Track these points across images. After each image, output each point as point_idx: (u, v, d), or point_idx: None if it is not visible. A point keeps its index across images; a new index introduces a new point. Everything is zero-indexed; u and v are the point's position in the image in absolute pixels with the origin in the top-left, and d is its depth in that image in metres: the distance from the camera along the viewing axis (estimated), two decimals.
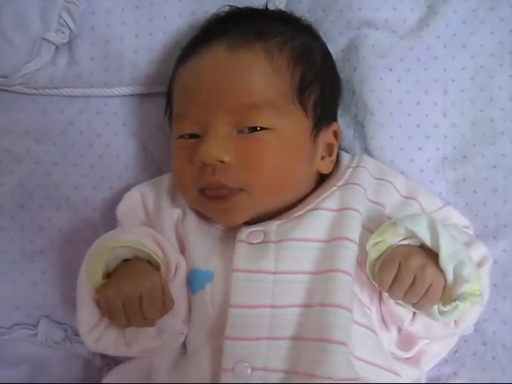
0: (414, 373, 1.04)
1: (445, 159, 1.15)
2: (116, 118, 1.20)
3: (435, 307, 0.94)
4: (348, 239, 0.99)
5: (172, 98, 1.11)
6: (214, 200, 1.02)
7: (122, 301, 0.94)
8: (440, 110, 1.15)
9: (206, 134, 1.02)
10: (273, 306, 0.97)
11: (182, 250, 1.06)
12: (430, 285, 0.92)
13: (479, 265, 1.01)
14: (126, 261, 1.00)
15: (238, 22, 1.08)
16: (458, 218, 1.11)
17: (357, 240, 1.00)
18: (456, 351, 1.11)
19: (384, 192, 1.08)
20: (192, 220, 1.07)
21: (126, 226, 1.11)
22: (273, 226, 1.03)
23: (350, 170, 1.09)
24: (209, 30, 1.11)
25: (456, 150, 1.15)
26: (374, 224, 1.02)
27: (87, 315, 0.99)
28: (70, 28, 1.14)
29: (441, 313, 0.94)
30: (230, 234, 1.05)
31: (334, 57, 1.17)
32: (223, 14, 1.13)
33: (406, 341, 1.03)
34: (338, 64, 1.17)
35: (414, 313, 0.98)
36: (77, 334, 1.18)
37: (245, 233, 1.03)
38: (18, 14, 1.12)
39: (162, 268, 0.99)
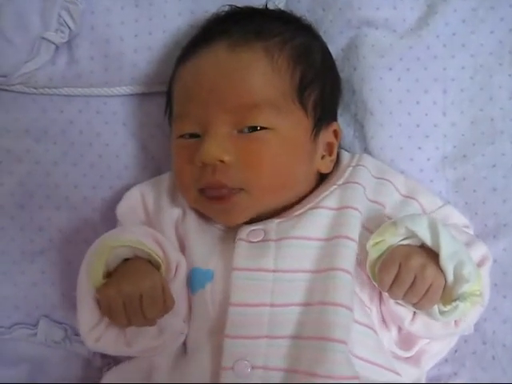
0: (414, 372, 1.04)
1: (445, 158, 1.15)
2: (116, 118, 1.20)
3: (435, 307, 0.94)
4: (348, 238, 0.99)
5: (172, 97, 1.11)
6: (214, 200, 1.02)
7: (122, 300, 0.94)
8: (440, 110, 1.15)
9: (206, 133, 1.02)
10: (272, 305, 0.97)
11: (182, 249, 1.06)
12: (430, 285, 0.92)
13: (479, 264, 1.01)
14: (126, 260, 1.00)
15: (237, 22, 1.08)
16: (457, 217, 1.11)
17: (356, 238, 1.00)
18: (456, 351, 1.11)
19: (384, 191, 1.08)
20: (192, 219, 1.07)
21: (126, 225, 1.11)
22: (273, 224, 1.03)
23: (350, 168, 1.09)
24: (209, 29, 1.11)
25: (456, 149, 1.15)
26: (374, 223, 1.02)
27: (87, 315, 0.99)
28: (69, 27, 1.14)
29: (441, 313, 0.94)
30: (230, 233, 1.05)
31: (333, 56, 1.17)
32: (223, 13, 1.13)
33: (407, 340, 1.03)
34: (338, 63, 1.17)
35: (415, 312, 0.98)
36: (77, 334, 1.18)
37: (245, 231, 1.03)
38: (18, 14, 1.12)
39: (163, 267, 0.99)
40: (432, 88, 1.15)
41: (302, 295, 0.98)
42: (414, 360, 1.04)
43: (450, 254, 0.93)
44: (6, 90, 1.18)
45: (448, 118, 1.15)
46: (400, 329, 1.02)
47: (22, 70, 1.15)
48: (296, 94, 1.04)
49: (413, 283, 0.92)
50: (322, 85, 1.08)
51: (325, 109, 1.09)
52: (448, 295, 0.93)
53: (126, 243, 0.99)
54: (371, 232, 1.01)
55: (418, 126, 1.15)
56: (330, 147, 1.11)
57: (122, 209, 1.13)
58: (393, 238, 0.96)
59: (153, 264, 1.00)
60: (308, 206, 1.04)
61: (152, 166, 1.21)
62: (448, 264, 0.93)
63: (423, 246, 0.96)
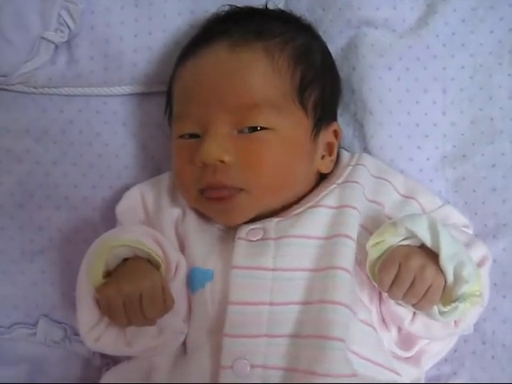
0: (413, 372, 1.04)
1: (444, 158, 1.15)
2: (115, 118, 1.20)
3: (435, 308, 0.94)
4: (347, 236, 0.99)
5: (172, 97, 1.11)
6: (215, 201, 1.02)
7: (122, 300, 0.94)
8: (439, 109, 1.15)
9: (207, 133, 1.02)
10: (271, 303, 0.97)
11: (182, 249, 1.06)
12: (430, 286, 0.92)
13: (479, 265, 1.01)
14: (125, 260, 1.00)
15: (238, 22, 1.08)
16: (457, 217, 1.11)
17: (355, 237, 1.00)
18: (456, 350, 1.11)
19: (382, 191, 1.08)
20: (192, 219, 1.07)
21: (125, 225, 1.11)
22: (272, 223, 1.03)
23: (350, 167, 1.09)
24: (209, 29, 1.11)
25: (455, 148, 1.15)
26: (373, 223, 1.03)
27: (87, 314, 0.99)
28: (69, 27, 1.14)
29: (441, 313, 0.94)
30: (230, 233, 1.05)
31: (333, 56, 1.16)
32: (223, 13, 1.13)
33: (406, 340, 1.03)
34: (338, 63, 1.17)
35: (414, 313, 0.98)
36: (76, 334, 1.18)
37: (244, 230, 1.03)
38: (18, 13, 1.12)
39: (163, 267, 0.99)
40: (432, 87, 1.15)
41: (302, 294, 0.98)
42: (414, 360, 1.04)
43: (449, 254, 0.93)
44: (6, 90, 1.18)
45: (448, 117, 1.15)
46: (400, 329, 1.02)
47: (21, 69, 1.15)
48: (296, 94, 1.04)
49: (412, 284, 0.92)
50: (322, 85, 1.08)
51: (325, 109, 1.09)
52: (448, 296, 0.93)
53: (126, 243, 0.98)
54: (370, 232, 1.01)
55: (417, 125, 1.15)
56: (329, 147, 1.11)
57: (121, 208, 1.13)
58: (393, 238, 0.96)
59: (152, 264, 1.00)
60: (307, 205, 1.04)
61: (152, 166, 1.21)
62: (448, 265, 0.92)
63: (423, 246, 0.96)
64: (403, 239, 0.96)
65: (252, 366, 0.94)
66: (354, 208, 1.02)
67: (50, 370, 1.20)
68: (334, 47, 1.18)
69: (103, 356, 1.18)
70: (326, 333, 0.93)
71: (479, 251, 1.03)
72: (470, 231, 1.12)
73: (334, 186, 1.06)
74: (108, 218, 1.17)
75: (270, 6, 1.16)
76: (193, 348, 1.01)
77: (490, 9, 1.15)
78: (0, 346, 1.19)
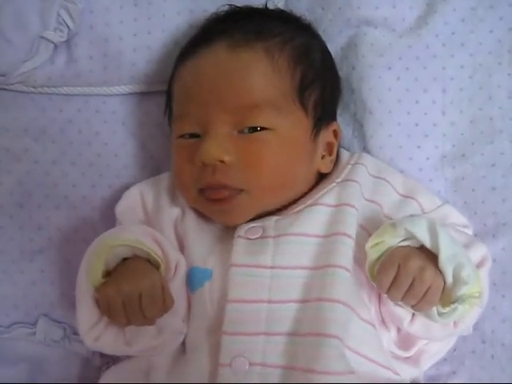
0: (413, 372, 1.04)
1: (444, 157, 1.15)
2: (115, 117, 1.20)
3: (434, 309, 0.94)
4: (345, 235, 0.99)
5: (172, 97, 1.11)
6: (215, 202, 1.02)
7: (121, 299, 0.94)
8: (439, 109, 1.15)
9: (207, 133, 1.02)
10: (270, 301, 0.97)
11: (181, 248, 1.06)
12: (429, 287, 0.92)
13: (479, 265, 1.01)
14: (125, 260, 1.00)
15: (237, 22, 1.08)
16: (456, 216, 1.11)
17: (353, 236, 1.00)
18: (455, 349, 1.11)
19: (381, 191, 1.08)
20: (191, 219, 1.07)
21: (125, 224, 1.11)
22: (271, 221, 1.03)
23: (349, 166, 1.10)
24: (209, 29, 1.11)
25: (455, 148, 1.15)
26: (371, 223, 1.03)
27: (87, 314, 0.99)
28: (68, 26, 1.14)
29: (440, 314, 0.94)
30: (229, 232, 1.05)
31: (333, 55, 1.16)
32: (223, 13, 1.13)
33: (405, 340, 1.03)
34: (337, 62, 1.17)
35: (413, 313, 0.98)
36: (76, 333, 1.18)
37: (243, 229, 1.03)
38: (17, 13, 1.12)
39: (162, 267, 0.99)
40: (431, 87, 1.15)
41: (300, 292, 0.98)
42: (413, 360, 1.04)
43: (449, 256, 0.93)
44: (5, 90, 1.18)
45: (447, 117, 1.15)
46: (399, 329, 1.02)
47: (20, 69, 1.15)
48: (296, 95, 1.04)
49: (411, 285, 0.92)
50: (322, 85, 1.08)
51: (325, 109, 1.09)
52: (447, 297, 0.93)
53: (126, 242, 0.98)
54: (368, 232, 1.01)
55: (417, 125, 1.15)
56: (329, 147, 1.11)
57: (121, 208, 1.13)
58: (392, 239, 0.96)
59: (152, 263, 1.00)
60: (306, 203, 1.05)
61: (151, 166, 1.21)
62: (447, 266, 0.92)
63: (422, 248, 0.95)
64: (402, 240, 0.96)
65: (250, 364, 0.94)
66: (353, 206, 1.02)
67: (50, 370, 1.20)
68: (334, 47, 1.18)
69: (102, 355, 1.18)
70: (322, 330, 0.93)
71: (479, 252, 1.03)
72: (470, 231, 1.11)
73: (334, 184, 1.07)
74: (107, 218, 1.17)
75: (270, 6, 1.16)
76: (192, 347, 1.01)
77: (489, 8, 1.15)
78: (0, 346, 1.19)
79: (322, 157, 1.09)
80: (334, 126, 1.12)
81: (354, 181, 1.06)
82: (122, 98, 1.20)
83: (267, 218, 1.04)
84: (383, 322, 1.02)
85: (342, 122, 1.17)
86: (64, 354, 1.20)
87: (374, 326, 1.00)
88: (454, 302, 0.93)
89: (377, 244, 0.96)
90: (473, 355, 1.12)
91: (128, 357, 1.07)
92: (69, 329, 1.20)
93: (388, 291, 0.94)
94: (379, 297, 1.01)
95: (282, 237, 1.01)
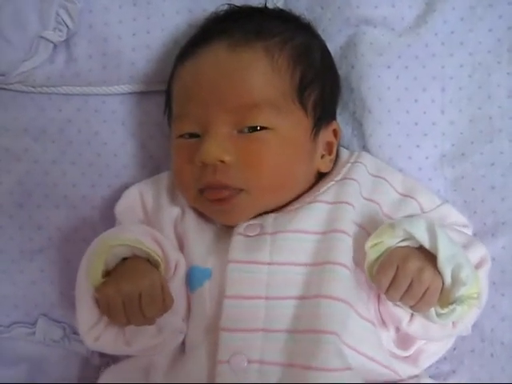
0: (412, 371, 1.04)
1: (443, 157, 1.15)
2: (114, 117, 1.20)
3: (432, 310, 0.93)
4: (343, 232, 1.00)
5: (171, 97, 1.11)
6: (214, 202, 1.02)
7: (121, 299, 0.94)
8: (438, 108, 1.15)
9: (207, 133, 1.02)
10: (267, 298, 0.97)
11: (181, 248, 1.06)
12: (428, 288, 0.92)
13: (478, 266, 1.01)
14: (125, 259, 1.00)
15: (237, 21, 1.08)
16: (456, 216, 1.11)
17: (351, 233, 1.00)
18: (454, 348, 1.11)
19: (379, 190, 1.08)
20: (191, 218, 1.07)
21: (124, 224, 1.11)
22: (270, 218, 1.03)
23: (349, 165, 1.10)
24: (208, 29, 1.11)
25: (454, 147, 1.15)
26: (369, 222, 1.03)
27: (86, 314, 0.99)
28: (67, 26, 1.14)
29: (438, 315, 0.93)
30: (229, 231, 1.05)
31: (332, 54, 1.16)
32: (222, 12, 1.13)
33: (404, 340, 1.03)
34: (336, 61, 1.17)
35: (412, 314, 0.98)
36: (75, 333, 1.18)
37: (242, 226, 1.03)
38: (16, 13, 1.12)
39: (162, 266, 0.99)
40: (430, 86, 1.15)
41: (298, 289, 0.98)
42: (412, 359, 1.04)
43: (447, 256, 0.92)
44: (5, 89, 1.18)
45: (446, 116, 1.15)
46: (398, 329, 1.02)
47: (20, 68, 1.15)
48: (296, 94, 1.04)
49: (410, 286, 0.92)
50: (321, 84, 1.08)
51: (324, 108, 1.09)
52: (445, 298, 0.93)
53: (125, 242, 0.98)
54: (367, 231, 1.01)
55: (416, 124, 1.15)
56: (329, 146, 1.11)
57: (120, 207, 1.13)
58: (391, 239, 0.96)
59: (152, 263, 1.00)
60: (305, 201, 1.05)
61: (151, 165, 1.21)
62: (446, 267, 0.92)
63: (421, 248, 0.95)
64: (401, 240, 0.96)
65: (249, 361, 0.94)
66: (350, 204, 1.02)
67: (49, 370, 1.20)
68: (333, 46, 1.18)
69: (102, 355, 1.18)
70: (320, 327, 0.94)
71: (478, 252, 1.03)
72: (469, 230, 1.11)
73: (332, 183, 1.07)
74: (107, 217, 1.17)
75: (269, 5, 1.16)
76: (191, 347, 1.01)
77: (488, 7, 1.15)
78: None
79: (322, 156, 1.10)
80: (333, 125, 1.12)
81: (353, 179, 1.06)
82: (121, 98, 1.20)
83: (266, 215, 1.04)
84: (382, 321, 1.02)
85: (342, 120, 1.17)
86: (64, 353, 1.20)
87: (373, 324, 1.00)
88: (452, 303, 0.92)
89: (376, 244, 0.96)
90: (472, 354, 1.12)
91: (128, 356, 1.06)
92: (68, 328, 1.20)
93: (387, 292, 0.94)
94: (378, 297, 1.01)
95: (279, 233, 1.01)
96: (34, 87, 1.18)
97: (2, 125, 1.19)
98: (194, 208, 1.08)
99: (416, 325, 0.98)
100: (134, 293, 0.94)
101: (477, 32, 1.15)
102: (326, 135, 1.10)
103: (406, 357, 1.04)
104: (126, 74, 1.18)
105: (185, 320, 1.02)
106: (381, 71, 1.16)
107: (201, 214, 1.08)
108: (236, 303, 0.97)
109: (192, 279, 1.03)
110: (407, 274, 0.92)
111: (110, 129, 1.20)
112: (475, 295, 0.94)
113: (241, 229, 1.03)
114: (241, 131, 1.01)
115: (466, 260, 0.95)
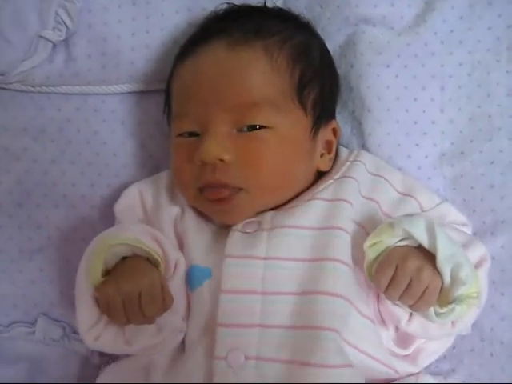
0: (411, 370, 1.04)
1: (442, 155, 1.15)
2: (114, 116, 1.20)
3: (432, 309, 0.93)
4: (340, 229, 1.00)
5: (171, 96, 1.11)
6: (214, 202, 1.02)
7: (121, 298, 0.94)
8: (437, 106, 1.15)
9: (206, 132, 1.02)
10: (264, 293, 0.97)
11: (181, 247, 1.06)
12: (427, 287, 0.92)
13: (477, 266, 1.01)
14: (124, 259, 1.00)
15: (236, 20, 1.08)
16: (455, 214, 1.11)
17: (349, 230, 1.00)
18: (454, 347, 1.11)
19: (378, 188, 1.08)
20: (191, 217, 1.07)
21: (124, 223, 1.11)
22: (268, 216, 1.04)
23: (348, 164, 1.10)
24: (207, 28, 1.10)
25: (453, 146, 1.15)
26: (368, 221, 1.03)
27: (86, 313, 0.99)
28: (66, 26, 1.14)
29: (437, 314, 0.93)
30: (228, 230, 1.05)
31: (331, 53, 1.16)
32: (221, 11, 1.13)
33: (404, 339, 1.03)
34: (336, 60, 1.17)
35: (411, 313, 0.98)
36: (75, 332, 1.18)
37: (240, 223, 1.04)
38: (16, 12, 1.12)
39: (162, 266, 0.99)
40: (430, 85, 1.15)
41: (295, 284, 0.98)
42: (412, 358, 1.04)
43: (447, 256, 0.92)
44: (4, 89, 1.18)
45: (446, 114, 1.15)
46: (397, 327, 1.02)
47: (19, 68, 1.15)
48: (295, 93, 1.04)
49: (409, 285, 0.92)
50: (321, 83, 1.08)
51: (324, 107, 1.09)
52: (445, 297, 0.93)
53: (125, 241, 0.98)
54: (365, 229, 1.02)
55: (415, 122, 1.15)
56: (328, 145, 1.11)
57: (120, 207, 1.13)
58: (390, 239, 0.96)
59: (151, 262, 1.00)
60: (304, 199, 1.05)
61: (150, 165, 1.21)
62: (445, 266, 0.92)
63: (420, 247, 0.95)
64: (400, 240, 0.96)
65: (246, 358, 0.94)
66: (348, 202, 1.02)
67: (49, 369, 1.20)
68: (332, 45, 1.18)
69: (102, 354, 1.18)
70: (318, 323, 0.94)
71: (477, 252, 1.03)
72: (469, 229, 1.11)
73: (331, 181, 1.07)
74: (106, 217, 1.17)
75: (269, 4, 1.16)
76: (190, 345, 1.01)
77: (487, 5, 1.15)
78: None
79: (321, 155, 1.10)
80: (333, 124, 1.12)
81: (352, 177, 1.06)
82: (120, 97, 1.20)
83: (264, 213, 1.04)
84: (382, 320, 1.02)
85: (341, 119, 1.17)
86: (63, 353, 1.20)
87: (373, 321, 1.00)
88: (451, 303, 0.92)
89: (375, 244, 0.96)
90: (472, 353, 1.12)
91: (127, 355, 1.07)
92: (68, 328, 1.20)
93: (386, 291, 0.93)
94: (377, 296, 1.01)
95: (276, 229, 1.01)
96: (33, 87, 1.18)
97: (1, 124, 1.19)
98: (194, 207, 1.08)
99: (415, 324, 0.98)
100: (133, 292, 0.94)
101: (476, 31, 1.15)
102: (325, 134, 1.10)
103: (406, 355, 1.04)
104: (126, 74, 1.18)
105: (184, 319, 1.02)
106: (380, 70, 1.16)
107: (200, 214, 1.08)
108: (232, 298, 0.97)
109: (192, 278, 1.03)
110: (406, 274, 0.92)
111: (110, 128, 1.20)
112: (475, 294, 0.94)
113: (239, 226, 1.03)
114: (240, 130, 1.01)
115: (465, 259, 0.95)
